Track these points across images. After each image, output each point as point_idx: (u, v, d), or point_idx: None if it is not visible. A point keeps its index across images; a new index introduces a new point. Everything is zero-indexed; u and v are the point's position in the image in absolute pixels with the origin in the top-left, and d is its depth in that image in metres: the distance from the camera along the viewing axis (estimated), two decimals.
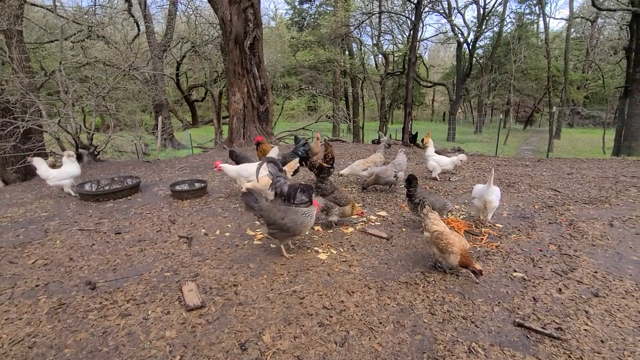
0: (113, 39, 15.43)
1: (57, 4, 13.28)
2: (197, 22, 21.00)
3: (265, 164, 4.00)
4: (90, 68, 13.22)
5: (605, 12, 23.41)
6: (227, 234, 3.90)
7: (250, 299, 2.64)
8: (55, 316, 2.49)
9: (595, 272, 2.95)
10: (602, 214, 4.29)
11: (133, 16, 19.11)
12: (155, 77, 17.86)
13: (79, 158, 9.06)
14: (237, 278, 2.94)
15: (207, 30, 20.90)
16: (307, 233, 3.60)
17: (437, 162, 6.04)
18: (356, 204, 4.10)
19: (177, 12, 21.05)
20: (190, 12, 21.25)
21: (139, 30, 19.71)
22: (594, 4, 16.60)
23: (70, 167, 5.49)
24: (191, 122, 29.36)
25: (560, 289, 2.71)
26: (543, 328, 2.24)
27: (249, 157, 5.72)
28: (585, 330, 2.24)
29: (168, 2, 20.45)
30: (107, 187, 5.79)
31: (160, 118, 18.40)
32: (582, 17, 29.94)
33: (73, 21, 12.58)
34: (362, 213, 4.06)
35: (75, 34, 13.25)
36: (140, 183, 5.83)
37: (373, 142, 13.25)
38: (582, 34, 33.37)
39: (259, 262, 3.23)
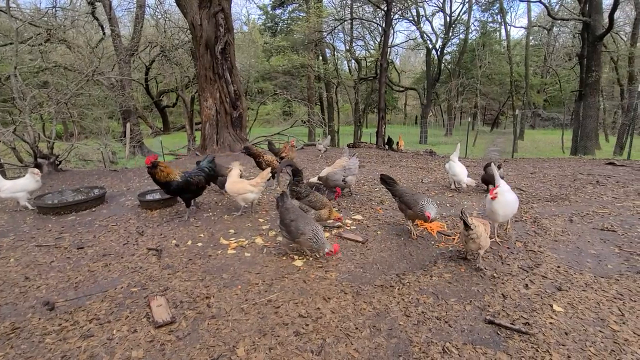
0: (75, 42, 14.68)
1: (12, 5, 12.48)
2: (166, 26, 20.44)
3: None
4: (50, 73, 12.50)
5: (559, 21, 25.13)
6: (199, 244, 3.77)
7: (223, 311, 2.55)
8: (8, 342, 2.29)
9: (558, 266, 3.10)
10: (563, 210, 4.54)
11: (97, 19, 18.34)
12: (122, 82, 17.15)
13: (38, 168, 8.50)
14: (210, 290, 2.84)
15: (177, 34, 20.40)
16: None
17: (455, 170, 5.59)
18: (333, 209, 4.10)
19: (145, 16, 20.40)
20: (159, 16, 20.68)
21: (104, 33, 18.92)
22: (549, 14, 17.80)
23: (27, 180, 5.14)
24: (162, 129, 28.44)
25: (527, 285, 2.82)
26: (512, 324, 2.32)
27: (220, 166, 5.53)
28: (550, 323, 2.34)
29: (135, 5, 19.77)
30: (69, 199, 5.45)
31: (128, 125, 17.65)
32: (539, 26, 31.99)
33: (30, 23, 11.86)
34: (339, 218, 4.04)
35: (32, 37, 12.48)
36: (105, 193, 5.53)
37: (348, 145, 13.42)
38: (540, 42, 35.65)
39: (232, 272, 3.14)
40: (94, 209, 5.10)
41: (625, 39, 25.36)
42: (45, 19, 13.27)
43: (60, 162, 9.15)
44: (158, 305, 2.58)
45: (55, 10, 14.65)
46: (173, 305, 2.63)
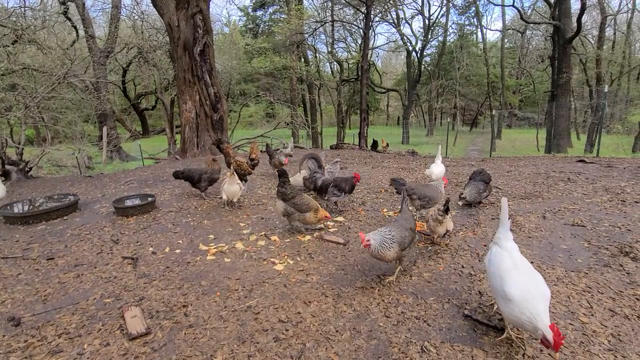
0: (46, 43, 14.08)
1: None
2: (143, 27, 19.93)
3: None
4: (17, 76, 11.94)
5: (532, 24, 26.11)
6: (177, 251, 3.68)
7: (201, 319, 2.49)
8: None
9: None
10: (536, 207, 4.70)
11: (70, 19, 17.67)
12: (98, 85, 16.59)
13: (6, 175, 8.10)
14: (188, 298, 2.77)
15: (155, 35, 19.92)
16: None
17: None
18: (320, 209, 4.04)
19: (122, 17, 19.81)
20: (136, 17, 20.14)
21: (77, 34, 18.25)
22: (522, 18, 18.48)
23: None
24: (141, 132, 27.67)
25: None
26: (488, 320, 2.37)
27: (197, 171, 5.41)
28: None
29: (110, 6, 19.18)
30: (40, 207, 5.20)
31: (105, 128, 17.05)
32: (513, 29, 33.13)
33: None
34: (327, 217, 3.97)
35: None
36: (78, 201, 5.32)
37: (331, 147, 13.46)
38: (515, 44, 36.95)
39: (211, 278, 3.08)
40: (65, 217, 4.90)
41: (593, 42, 26.64)
42: (14, 18, 12.67)
43: (31, 168, 8.77)
44: (132, 316, 2.49)
45: (24, 10, 14.02)
46: (149, 315, 2.55)
